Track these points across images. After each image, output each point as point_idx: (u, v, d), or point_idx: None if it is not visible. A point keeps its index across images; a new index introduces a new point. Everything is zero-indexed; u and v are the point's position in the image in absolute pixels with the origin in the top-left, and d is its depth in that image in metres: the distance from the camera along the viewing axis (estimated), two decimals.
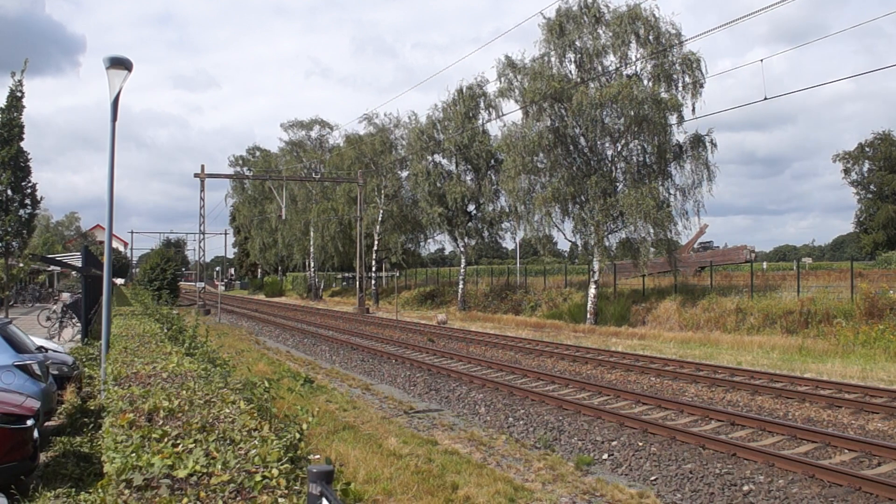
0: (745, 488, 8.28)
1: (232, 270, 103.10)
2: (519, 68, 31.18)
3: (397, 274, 51.47)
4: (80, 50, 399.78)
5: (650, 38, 27.67)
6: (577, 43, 29.20)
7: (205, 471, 3.15)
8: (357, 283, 48.10)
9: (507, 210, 40.51)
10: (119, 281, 79.58)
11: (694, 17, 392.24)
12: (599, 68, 29.10)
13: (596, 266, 29.21)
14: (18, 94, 20.23)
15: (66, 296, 33.36)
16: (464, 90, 39.29)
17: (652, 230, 27.49)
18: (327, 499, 2.86)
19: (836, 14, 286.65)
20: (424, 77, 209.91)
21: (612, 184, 29.12)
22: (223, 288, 66.48)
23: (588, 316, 29.18)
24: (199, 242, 44.13)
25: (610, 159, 29.59)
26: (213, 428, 3.94)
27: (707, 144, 28.17)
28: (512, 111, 56.94)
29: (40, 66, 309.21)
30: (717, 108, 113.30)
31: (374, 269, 51.65)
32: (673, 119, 27.65)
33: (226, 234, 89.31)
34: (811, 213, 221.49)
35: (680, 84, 27.72)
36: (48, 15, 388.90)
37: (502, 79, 31.94)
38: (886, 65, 52.41)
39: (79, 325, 20.72)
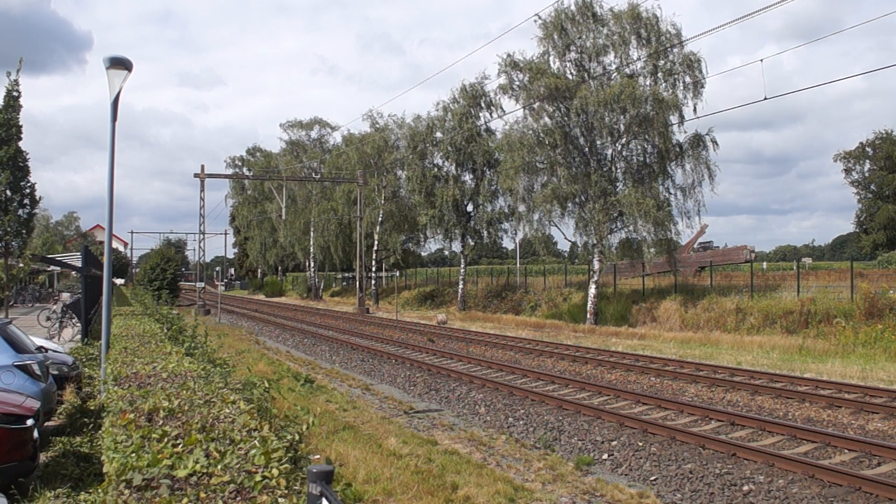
0: (745, 488, 8.28)
1: (232, 270, 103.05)
2: (521, 66, 31.12)
3: (397, 274, 51.49)
4: (86, 47, 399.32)
5: (651, 37, 27.67)
6: (577, 42, 29.18)
7: (205, 471, 3.15)
8: (357, 283, 48.09)
9: (507, 210, 40.55)
10: (119, 281, 79.48)
11: (707, 13, 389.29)
12: (600, 68, 29.08)
13: (596, 266, 29.20)
14: (15, 94, 20.21)
15: (66, 296, 33.42)
16: (467, 88, 39.18)
17: (652, 230, 27.48)
18: (327, 499, 2.86)
19: (852, 9, 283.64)
20: (432, 74, 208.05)
21: (613, 183, 29.12)
22: (223, 288, 66.40)
23: (588, 316, 29.17)
24: (199, 242, 44.21)
25: (610, 158, 29.60)
26: (213, 428, 3.94)
27: (707, 144, 28.21)
28: (514, 110, 56.96)
29: (46, 64, 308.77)
30: (724, 106, 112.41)
31: (374, 269, 51.66)
32: (674, 119, 27.68)
33: (226, 234, 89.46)
34: (815, 212, 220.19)
35: (681, 84, 27.74)
36: (53, 10, 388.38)
37: (504, 76, 31.92)
38: None
39: (79, 325, 20.72)
